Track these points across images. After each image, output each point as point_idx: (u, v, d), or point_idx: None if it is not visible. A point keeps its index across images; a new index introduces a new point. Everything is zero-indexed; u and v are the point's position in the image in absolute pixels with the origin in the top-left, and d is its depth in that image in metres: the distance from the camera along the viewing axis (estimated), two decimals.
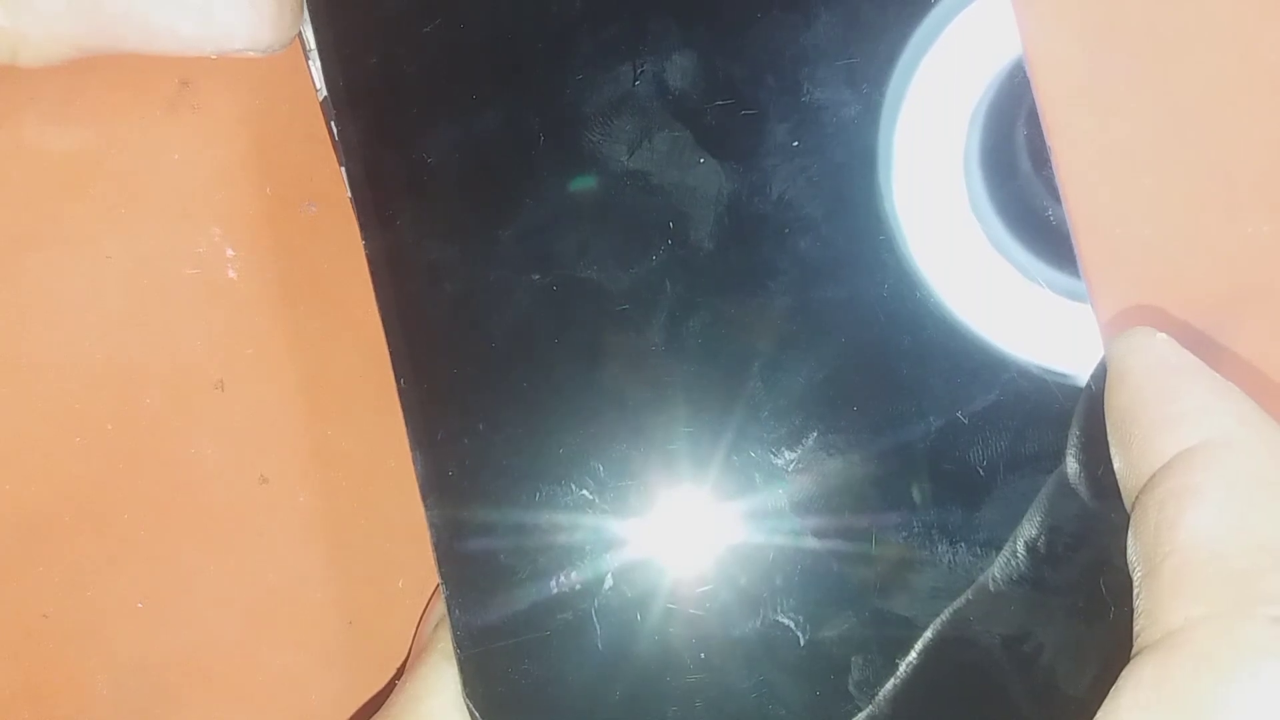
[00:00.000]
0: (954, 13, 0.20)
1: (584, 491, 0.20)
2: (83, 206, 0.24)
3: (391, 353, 0.20)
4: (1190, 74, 0.23)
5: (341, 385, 0.24)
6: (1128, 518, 0.19)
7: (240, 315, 0.24)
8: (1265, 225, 0.23)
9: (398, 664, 0.24)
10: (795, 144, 0.20)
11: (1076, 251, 0.20)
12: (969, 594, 0.20)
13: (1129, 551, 0.18)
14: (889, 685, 0.20)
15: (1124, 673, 0.17)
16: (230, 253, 0.24)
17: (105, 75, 0.24)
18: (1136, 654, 0.17)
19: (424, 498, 0.20)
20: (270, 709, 0.24)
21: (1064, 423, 0.20)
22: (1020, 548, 0.20)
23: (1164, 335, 0.19)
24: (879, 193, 0.20)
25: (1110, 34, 0.24)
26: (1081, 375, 0.20)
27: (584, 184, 0.20)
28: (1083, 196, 0.23)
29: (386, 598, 0.24)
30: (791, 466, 0.20)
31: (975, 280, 0.20)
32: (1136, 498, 0.18)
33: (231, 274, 0.24)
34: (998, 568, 0.20)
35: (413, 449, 0.20)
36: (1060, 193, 0.20)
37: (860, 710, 0.20)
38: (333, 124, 0.21)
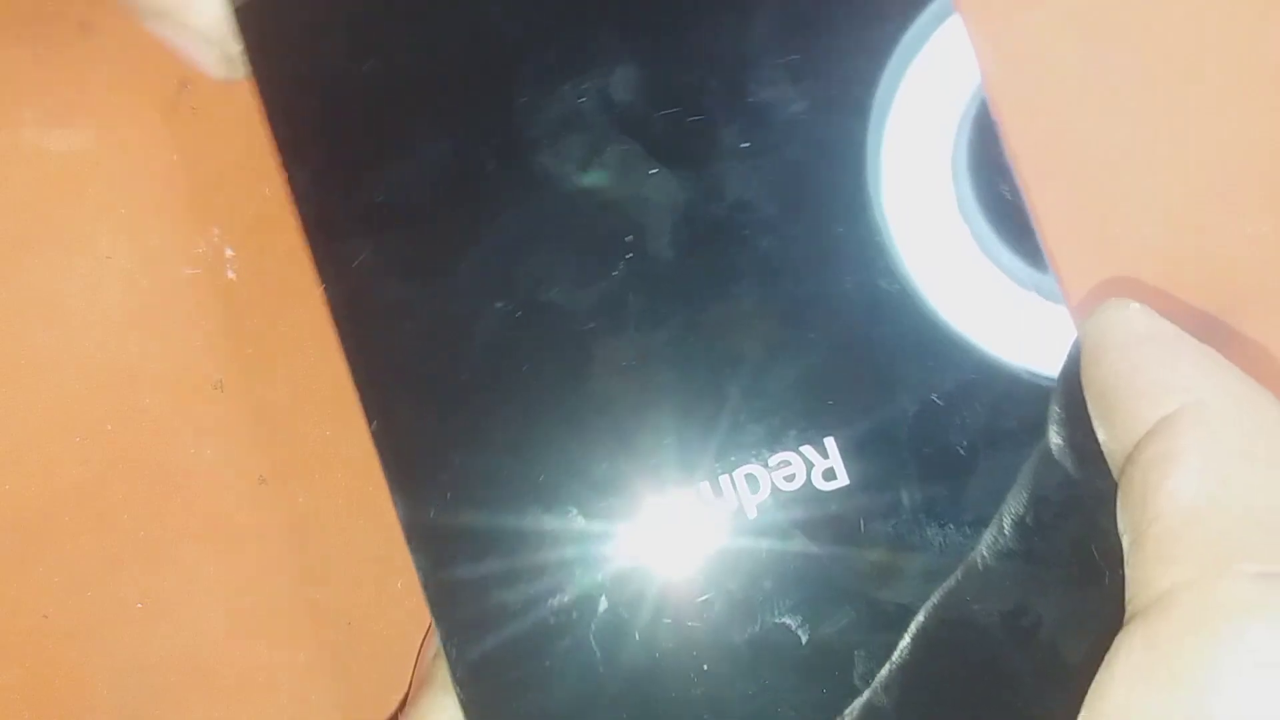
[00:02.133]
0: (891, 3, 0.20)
1: (568, 515, 0.20)
2: (82, 207, 0.24)
3: (361, 395, 0.20)
4: (1191, 73, 0.23)
5: (340, 386, 0.24)
6: (1114, 484, 0.19)
7: (240, 315, 0.24)
8: (1265, 225, 0.23)
9: (396, 665, 0.24)
10: (744, 146, 0.20)
11: (1034, 225, 0.20)
12: (962, 574, 0.20)
13: (1119, 519, 0.18)
14: (892, 672, 0.20)
15: (1115, 640, 0.17)
16: (230, 253, 0.24)
17: (105, 76, 0.24)
18: (1128, 621, 0.17)
19: (408, 540, 0.20)
20: (269, 709, 0.24)
21: (1039, 394, 0.20)
22: (1008, 523, 0.20)
23: (1137, 304, 0.19)
24: (832, 187, 0.20)
25: (1110, 32, 0.24)
26: (1053, 346, 0.20)
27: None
28: (1082, 195, 0.23)
29: (385, 598, 0.24)
30: (773, 467, 0.20)
31: (938, 265, 0.20)
32: (1123, 467, 0.18)
33: (231, 274, 0.24)
34: (987, 545, 0.20)
35: (392, 491, 0.20)
36: (1018, 180, 0.20)
37: (867, 702, 0.19)
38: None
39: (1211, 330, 0.23)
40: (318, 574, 0.24)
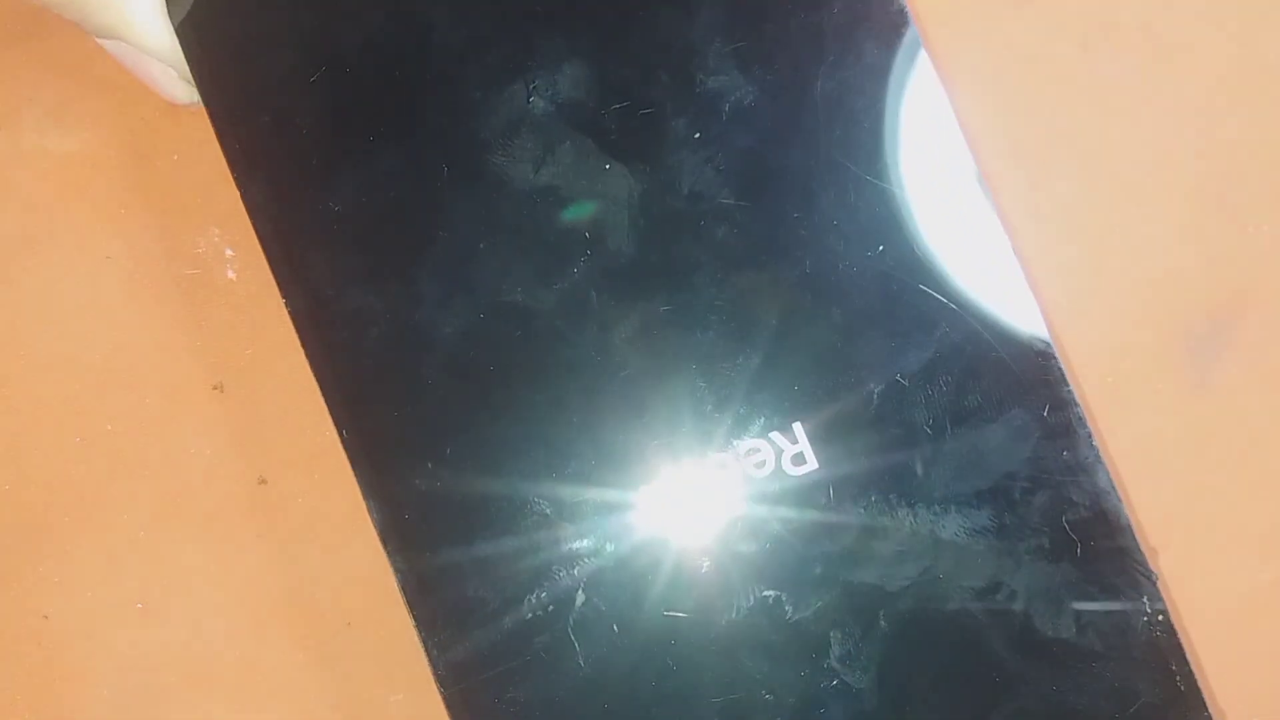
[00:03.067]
0: None
1: (541, 512, 0.20)
2: (82, 207, 0.24)
3: (329, 405, 0.20)
4: (1190, 74, 0.23)
5: None
6: (1081, 455, 0.19)
7: (239, 316, 0.24)
8: (1265, 225, 0.23)
9: (396, 665, 0.24)
10: (696, 135, 0.20)
11: (995, 209, 0.20)
12: (934, 552, 0.20)
13: None
14: (870, 654, 0.20)
15: None
16: (229, 253, 0.24)
17: (104, 76, 0.24)
18: None
19: (384, 544, 0.20)
20: (268, 709, 0.24)
21: (1002, 371, 0.20)
22: (978, 499, 0.20)
23: None
24: (785, 173, 0.20)
25: (1109, 33, 0.23)
26: (1015, 322, 0.20)
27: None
28: (1078, 196, 0.23)
29: (384, 598, 0.24)
30: (743, 455, 0.20)
31: (893, 244, 0.20)
32: None
33: (231, 274, 0.24)
34: (958, 522, 0.20)
35: (365, 498, 0.20)
36: (977, 160, 0.20)
37: (845, 683, 0.20)
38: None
39: (1212, 331, 0.23)
40: (317, 574, 0.24)
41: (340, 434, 0.20)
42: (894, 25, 0.20)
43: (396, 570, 0.20)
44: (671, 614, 0.20)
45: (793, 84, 0.20)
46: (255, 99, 0.21)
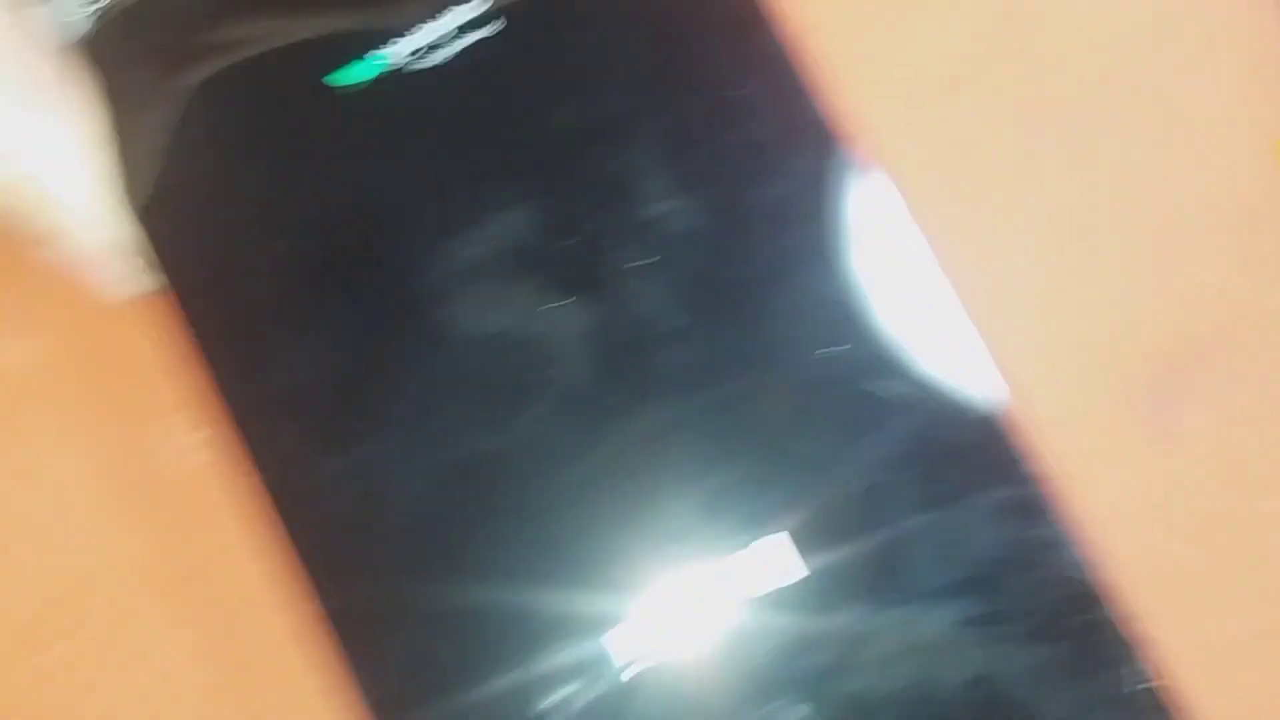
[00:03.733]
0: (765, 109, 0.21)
1: (530, 657, 0.20)
2: (33, 415, 0.24)
3: (303, 577, 0.20)
4: (1121, 136, 0.24)
5: None
6: (1056, 532, 0.19)
7: (205, 504, 0.23)
8: (1223, 272, 0.24)
9: None
10: (645, 261, 0.21)
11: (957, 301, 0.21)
12: (923, 649, 0.20)
13: None
14: None
15: None
16: (189, 440, 0.24)
17: (41, 280, 0.24)
18: None
19: (375, 713, 0.20)
20: None
21: (971, 455, 0.20)
22: (959, 589, 0.20)
23: None
24: (737, 286, 0.21)
25: (1039, 108, 0.24)
26: (979, 403, 0.20)
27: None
28: (1030, 269, 0.24)
29: None
30: (730, 570, 0.20)
31: (852, 341, 0.20)
32: None
33: (193, 462, 0.23)
34: (943, 615, 0.20)
35: (349, 671, 0.20)
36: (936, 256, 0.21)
37: None
38: None
39: (1173, 380, 0.24)
40: None
41: (316, 607, 0.20)
42: (829, 131, 0.21)
43: None
44: None
45: (735, 199, 0.21)
46: (217, 279, 0.21)
